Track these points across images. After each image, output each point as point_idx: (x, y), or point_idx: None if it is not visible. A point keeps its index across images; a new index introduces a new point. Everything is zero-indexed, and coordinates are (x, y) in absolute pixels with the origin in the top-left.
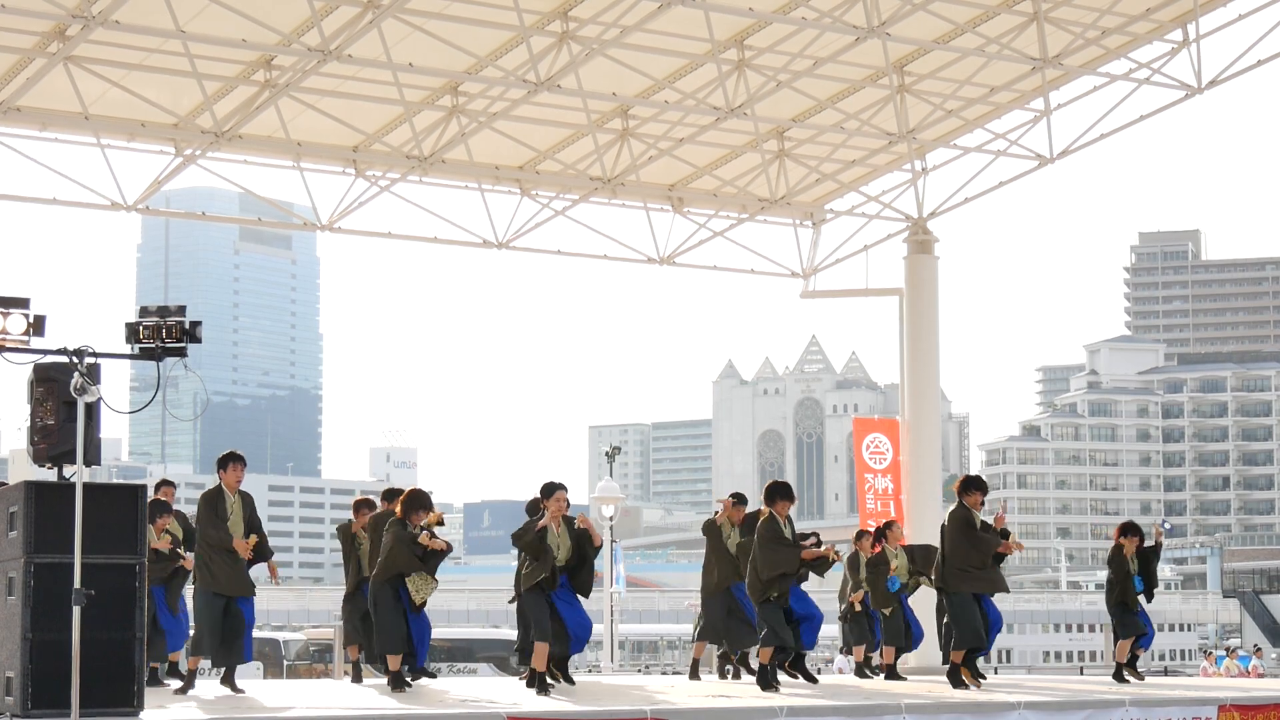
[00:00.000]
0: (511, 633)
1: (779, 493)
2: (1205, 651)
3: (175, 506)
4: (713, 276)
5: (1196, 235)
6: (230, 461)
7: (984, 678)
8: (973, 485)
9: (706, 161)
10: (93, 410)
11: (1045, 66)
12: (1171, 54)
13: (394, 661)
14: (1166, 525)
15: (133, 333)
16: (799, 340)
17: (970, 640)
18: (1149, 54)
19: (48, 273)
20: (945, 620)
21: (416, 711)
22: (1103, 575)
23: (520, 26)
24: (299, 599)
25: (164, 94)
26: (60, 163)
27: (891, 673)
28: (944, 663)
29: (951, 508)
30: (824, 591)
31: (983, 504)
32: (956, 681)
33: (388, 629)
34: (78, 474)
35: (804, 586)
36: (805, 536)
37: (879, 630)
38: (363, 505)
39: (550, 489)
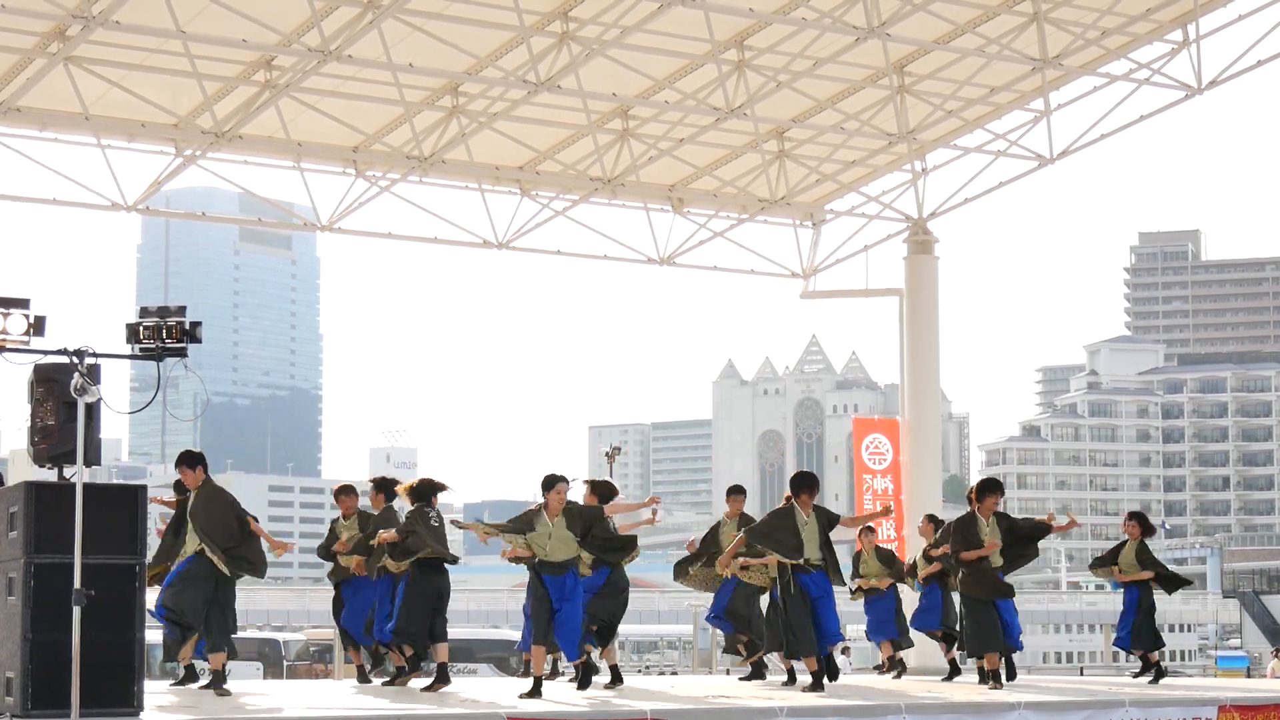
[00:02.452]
0: (513, 633)
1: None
2: (1276, 650)
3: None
4: (713, 277)
5: (1196, 235)
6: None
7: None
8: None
9: (706, 162)
10: (93, 410)
11: (1045, 67)
12: (1171, 54)
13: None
14: (1166, 526)
15: (133, 333)
16: (799, 340)
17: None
18: (1149, 54)
19: (48, 273)
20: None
21: (417, 711)
22: (1103, 575)
23: (520, 27)
24: (299, 599)
25: (164, 94)
26: (60, 163)
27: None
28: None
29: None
30: None
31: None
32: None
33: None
34: (78, 474)
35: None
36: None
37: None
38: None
39: (550, 481)
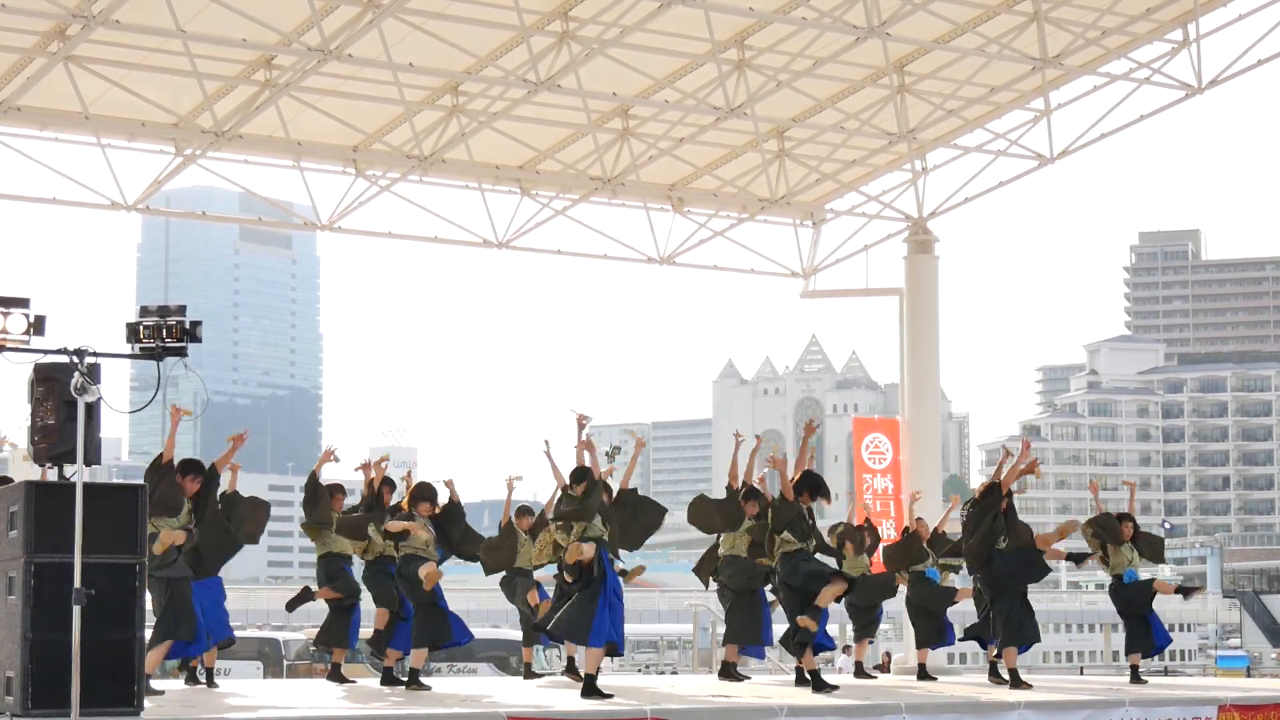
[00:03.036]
0: (513, 633)
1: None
2: None
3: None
4: (713, 276)
5: (1196, 235)
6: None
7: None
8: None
9: (706, 161)
10: (93, 410)
11: (1045, 66)
12: (1171, 54)
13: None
14: (1167, 526)
15: (133, 332)
16: (799, 340)
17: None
18: (1149, 54)
19: (48, 273)
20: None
21: (417, 712)
22: (1104, 576)
23: (520, 26)
24: None
25: (164, 94)
26: (60, 163)
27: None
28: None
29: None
30: None
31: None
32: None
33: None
34: (78, 474)
35: None
36: None
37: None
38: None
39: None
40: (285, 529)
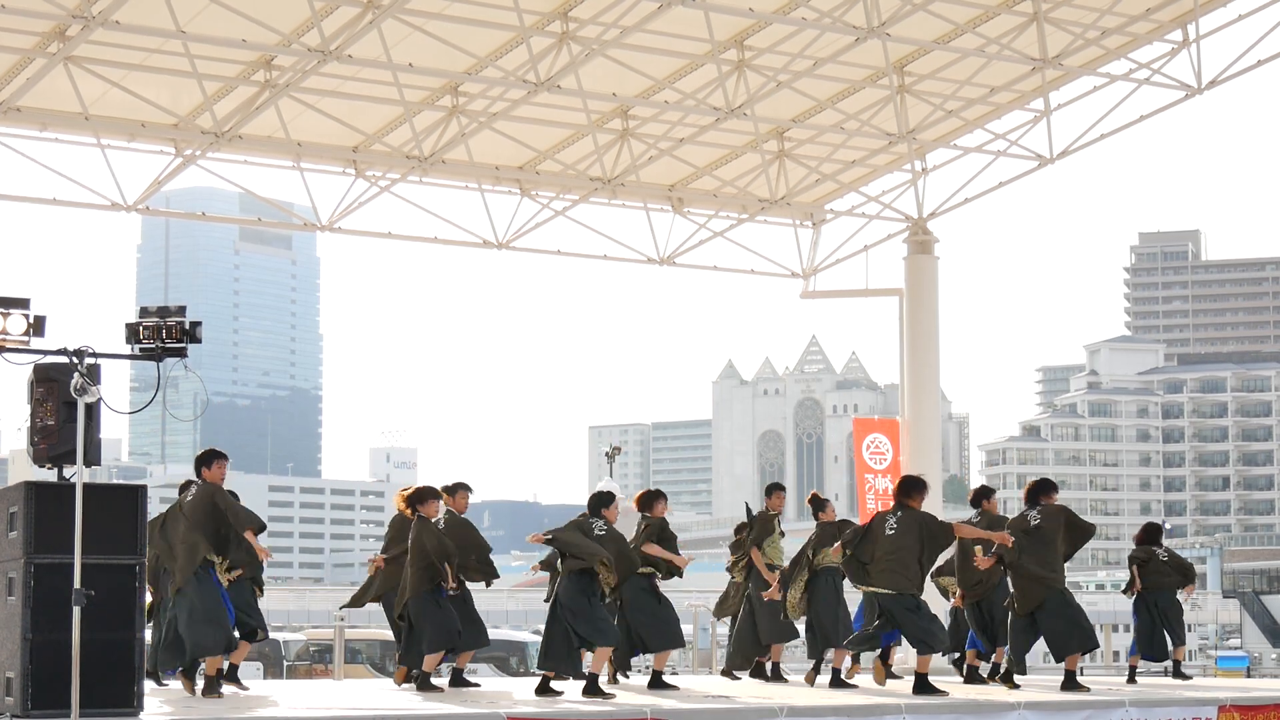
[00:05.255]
0: (513, 633)
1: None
2: None
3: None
4: (713, 276)
5: (1196, 235)
6: (215, 459)
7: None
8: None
9: (706, 161)
10: (93, 410)
11: (1045, 67)
12: (1171, 54)
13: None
14: (1166, 526)
15: (133, 333)
16: (799, 340)
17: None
18: (1149, 54)
19: (48, 273)
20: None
21: (417, 711)
22: (1103, 576)
23: (520, 26)
24: (299, 599)
25: (164, 94)
26: (60, 163)
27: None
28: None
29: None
30: None
31: None
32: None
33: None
34: (78, 474)
35: None
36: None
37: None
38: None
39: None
40: (284, 529)
